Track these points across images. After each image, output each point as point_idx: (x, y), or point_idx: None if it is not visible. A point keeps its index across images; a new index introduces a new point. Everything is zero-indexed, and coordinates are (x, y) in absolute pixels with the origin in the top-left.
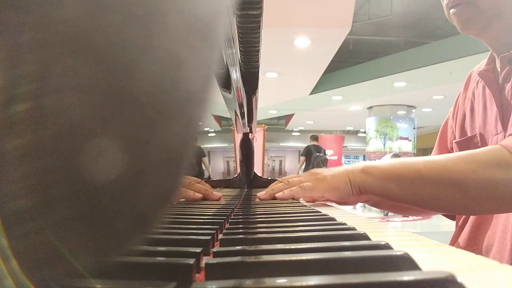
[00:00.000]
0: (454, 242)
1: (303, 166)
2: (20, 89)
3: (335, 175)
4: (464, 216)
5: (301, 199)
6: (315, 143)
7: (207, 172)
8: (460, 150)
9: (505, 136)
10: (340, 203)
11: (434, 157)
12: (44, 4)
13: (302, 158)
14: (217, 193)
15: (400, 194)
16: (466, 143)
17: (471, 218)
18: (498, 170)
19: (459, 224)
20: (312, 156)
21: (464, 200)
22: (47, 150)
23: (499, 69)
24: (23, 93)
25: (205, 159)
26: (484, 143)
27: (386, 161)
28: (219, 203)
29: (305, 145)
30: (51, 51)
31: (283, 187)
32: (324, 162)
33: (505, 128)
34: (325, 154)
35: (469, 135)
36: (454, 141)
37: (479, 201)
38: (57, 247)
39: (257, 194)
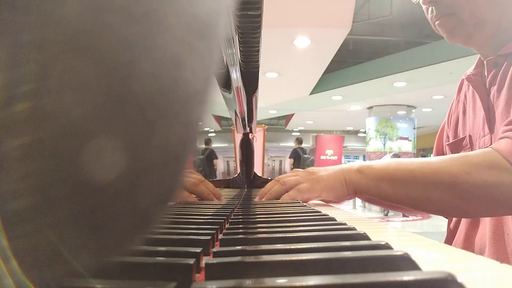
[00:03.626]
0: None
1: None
2: (20, 89)
3: (330, 175)
4: (456, 219)
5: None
6: (301, 146)
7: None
8: (452, 152)
9: (491, 138)
10: (335, 201)
11: (428, 159)
12: (44, 4)
13: (291, 160)
14: (219, 193)
15: (393, 195)
16: (457, 145)
17: (464, 221)
18: (490, 173)
19: (451, 227)
20: (302, 158)
21: (456, 202)
22: (47, 150)
23: (486, 73)
24: (23, 93)
25: (216, 162)
26: (472, 145)
27: (382, 161)
28: (219, 203)
29: (306, 145)
30: (51, 51)
31: (279, 189)
32: (312, 163)
33: (491, 130)
34: (308, 154)
35: (460, 137)
36: (445, 143)
37: (472, 203)
38: (57, 247)
39: (256, 199)
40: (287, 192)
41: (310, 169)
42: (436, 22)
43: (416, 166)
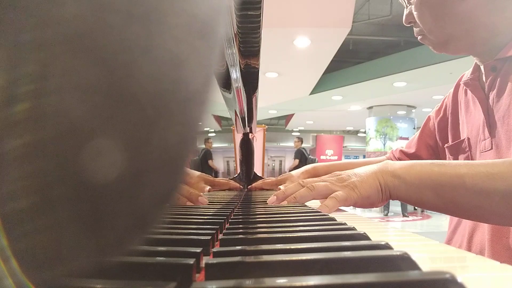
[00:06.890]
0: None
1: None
2: (20, 89)
3: (364, 181)
4: (457, 220)
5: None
6: (303, 145)
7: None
8: (451, 154)
9: (491, 142)
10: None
11: (474, 162)
12: (44, 4)
13: (296, 160)
14: (203, 199)
15: (436, 202)
16: (456, 147)
17: (464, 222)
18: None
19: (452, 228)
20: (308, 160)
21: (509, 212)
22: (47, 150)
23: (484, 77)
24: (23, 93)
25: (212, 162)
26: (471, 148)
27: (419, 163)
28: (219, 203)
29: (306, 145)
30: (51, 51)
31: (306, 193)
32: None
33: (491, 134)
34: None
35: (460, 139)
36: (445, 145)
37: None
38: (57, 247)
39: (270, 200)
40: (314, 198)
41: (337, 173)
42: (418, 38)
43: (464, 170)
